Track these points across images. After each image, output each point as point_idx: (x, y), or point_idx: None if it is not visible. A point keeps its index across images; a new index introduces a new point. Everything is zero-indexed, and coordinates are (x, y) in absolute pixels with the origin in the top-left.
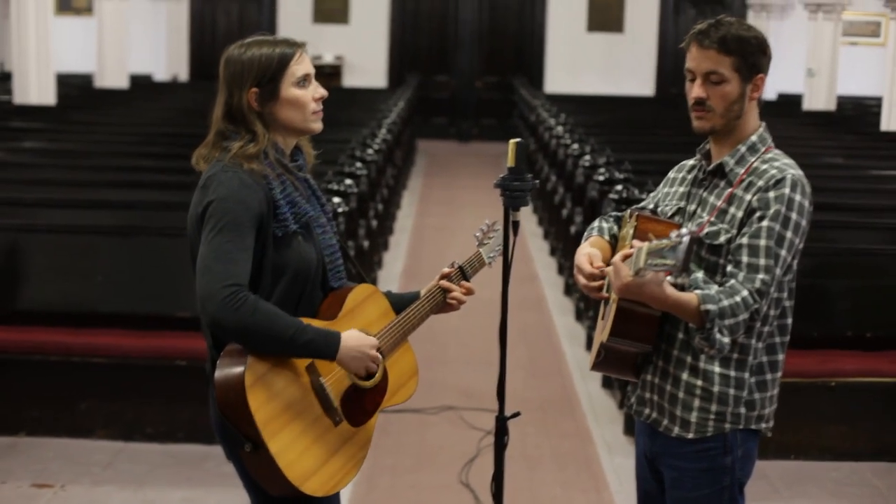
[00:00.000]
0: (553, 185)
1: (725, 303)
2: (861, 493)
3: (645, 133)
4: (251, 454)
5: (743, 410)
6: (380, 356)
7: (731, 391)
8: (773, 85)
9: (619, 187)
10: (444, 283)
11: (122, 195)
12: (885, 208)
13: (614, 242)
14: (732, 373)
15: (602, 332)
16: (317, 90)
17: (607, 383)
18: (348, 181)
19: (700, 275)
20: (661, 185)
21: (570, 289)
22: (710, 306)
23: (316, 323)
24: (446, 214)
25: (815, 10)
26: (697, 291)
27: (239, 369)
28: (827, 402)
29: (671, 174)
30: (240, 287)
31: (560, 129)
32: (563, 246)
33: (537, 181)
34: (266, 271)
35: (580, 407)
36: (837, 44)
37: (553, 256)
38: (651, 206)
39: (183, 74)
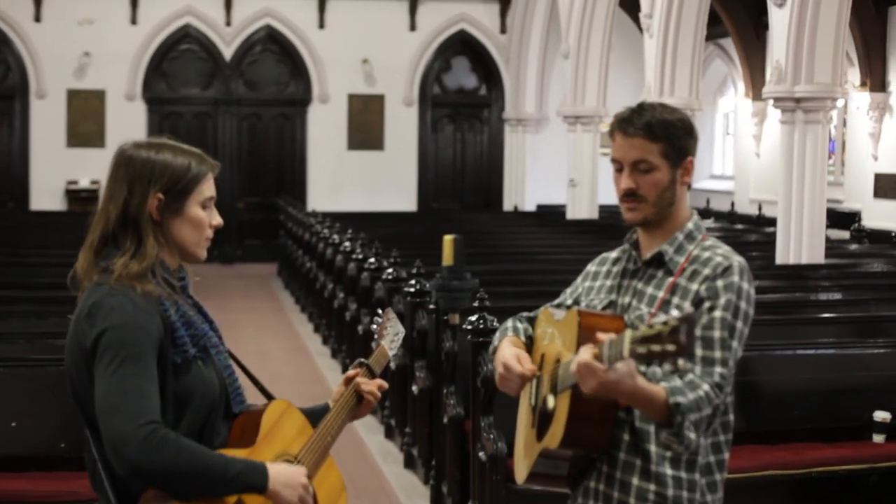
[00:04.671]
0: (342, 302)
1: (691, 396)
2: None
3: (431, 245)
4: None
5: None
6: (310, 485)
7: (685, 494)
8: (533, 196)
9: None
10: (360, 380)
11: None
12: None
13: (530, 344)
14: (684, 475)
15: (545, 440)
16: (215, 217)
17: (437, 501)
18: None
19: (658, 369)
20: (580, 279)
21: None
22: (681, 399)
23: (233, 453)
24: (227, 339)
25: (573, 122)
26: (663, 384)
27: None
28: None
29: (591, 267)
30: (157, 425)
31: (348, 244)
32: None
33: (477, 280)
34: (168, 404)
35: None
36: (597, 154)
37: None
38: (569, 301)
39: None
